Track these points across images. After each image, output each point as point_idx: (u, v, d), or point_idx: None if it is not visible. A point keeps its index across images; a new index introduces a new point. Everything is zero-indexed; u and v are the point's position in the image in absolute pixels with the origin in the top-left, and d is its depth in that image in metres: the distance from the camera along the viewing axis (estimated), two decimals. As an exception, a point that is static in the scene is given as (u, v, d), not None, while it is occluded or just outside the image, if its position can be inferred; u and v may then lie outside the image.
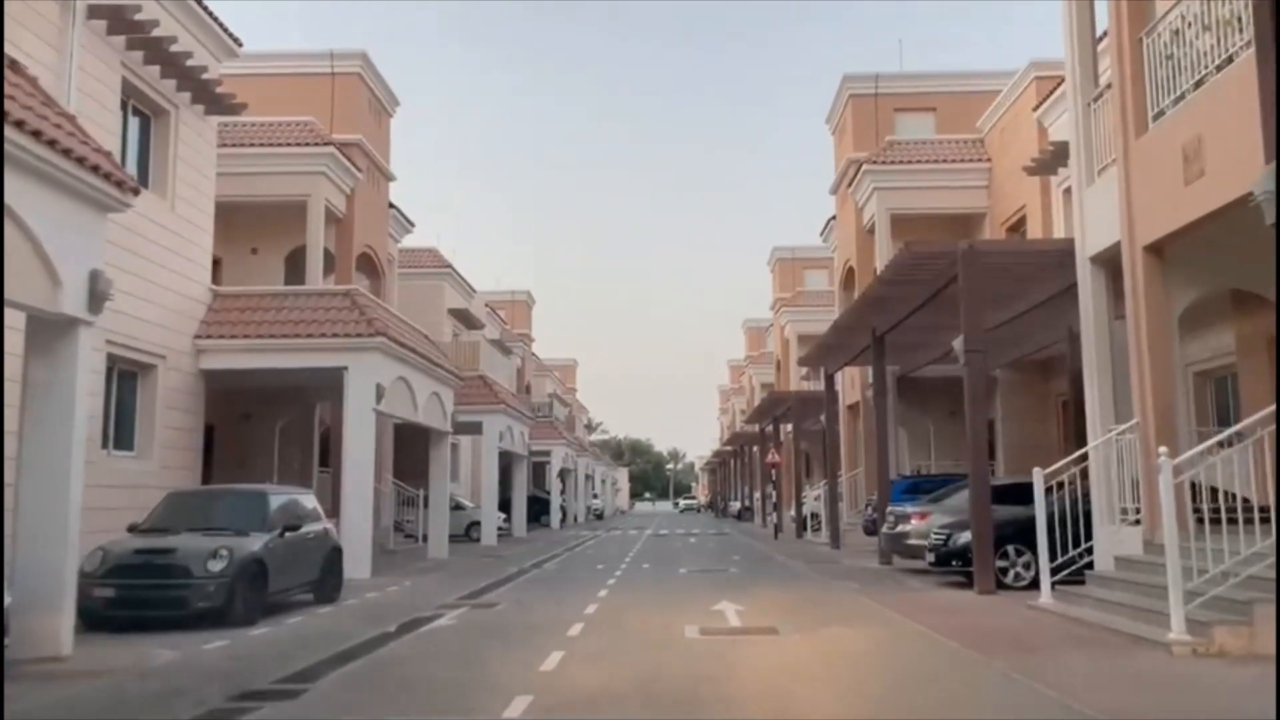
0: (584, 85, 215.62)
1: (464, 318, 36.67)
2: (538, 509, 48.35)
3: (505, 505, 37.70)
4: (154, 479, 15.46)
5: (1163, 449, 8.96)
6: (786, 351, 45.96)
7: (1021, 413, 25.21)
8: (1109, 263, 12.42)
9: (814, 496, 33.68)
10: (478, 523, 31.86)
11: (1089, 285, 12.71)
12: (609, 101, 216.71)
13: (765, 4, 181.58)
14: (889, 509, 17.50)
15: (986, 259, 13.75)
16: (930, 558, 14.54)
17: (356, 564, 16.91)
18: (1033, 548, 13.45)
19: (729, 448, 69.65)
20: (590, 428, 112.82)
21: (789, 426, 43.16)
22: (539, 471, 52.41)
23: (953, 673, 7.98)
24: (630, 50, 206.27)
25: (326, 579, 13.28)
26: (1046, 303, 17.06)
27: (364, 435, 17.46)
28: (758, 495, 49.60)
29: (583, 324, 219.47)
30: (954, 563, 14.07)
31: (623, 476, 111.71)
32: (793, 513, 37.27)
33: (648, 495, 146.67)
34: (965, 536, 13.87)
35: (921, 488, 22.44)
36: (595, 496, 70.29)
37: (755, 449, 54.04)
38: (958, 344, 13.40)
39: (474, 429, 30.65)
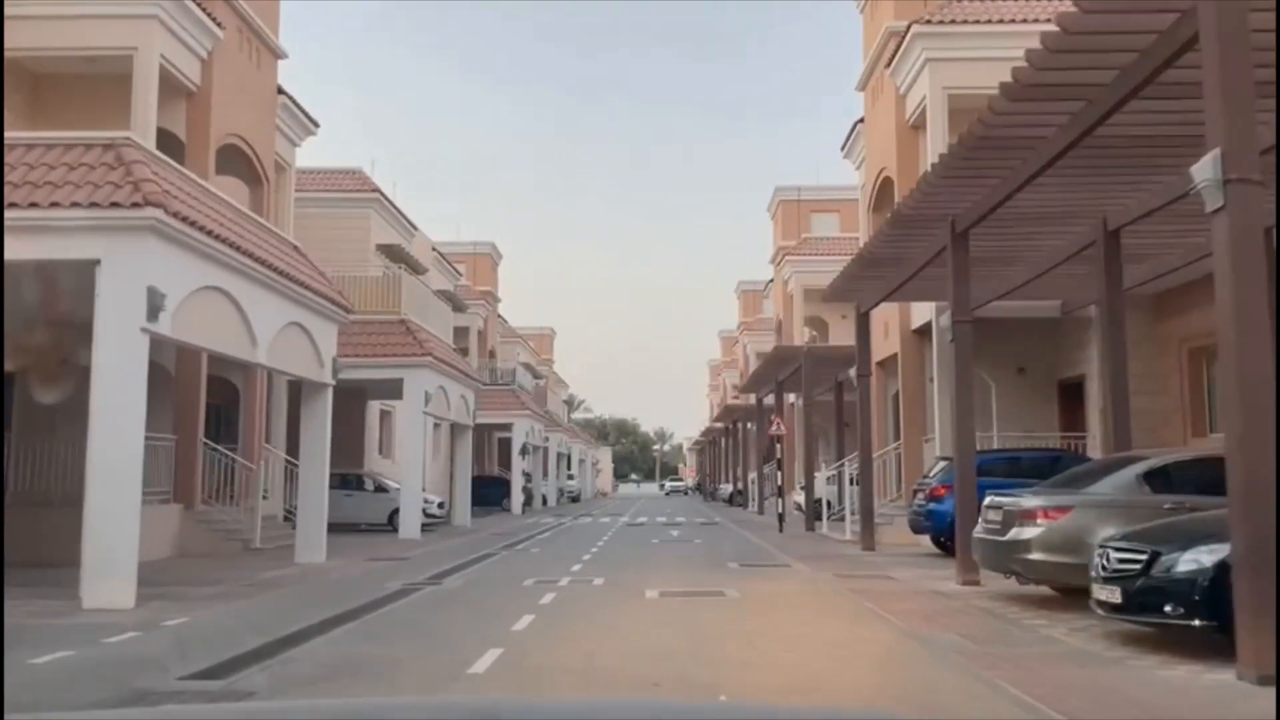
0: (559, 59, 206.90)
1: (397, 255, 29.66)
2: (496, 492, 41.54)
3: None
4: None
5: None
6: (789, 309, 39.14)
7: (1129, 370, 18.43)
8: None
9: (825, 478, 27.01)
10: (405, 509, 25.07)
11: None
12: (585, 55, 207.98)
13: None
14: (990, 500, 10.68)
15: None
16: (1109, 595, 7.72)
17: (104, 586, 10.08)
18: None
19: (719, 424, 62.88)
20: (571, 404, 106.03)
21: (792, 397, 36.52)
22: (504, 449, 45.43)
23: None
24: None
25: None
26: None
27: (127, 368, 10.55)
28: (752, 477, 42.87)
29: (569, 300, 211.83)
30: (1168, 608, 7.25)
31: (605, 456, 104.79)
32: (797, 498, 30.66)
33: (633, 477, 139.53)
34: (1198, 561, 7.08)
35: (988, 467, 15.79)
36: (570, 477, 63.52)
37: (750, 426, 47.29)
38: (1205, 169, 6.52)
39: (391, 389, 23.80)
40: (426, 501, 26.36)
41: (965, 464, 12.26)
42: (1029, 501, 9.84)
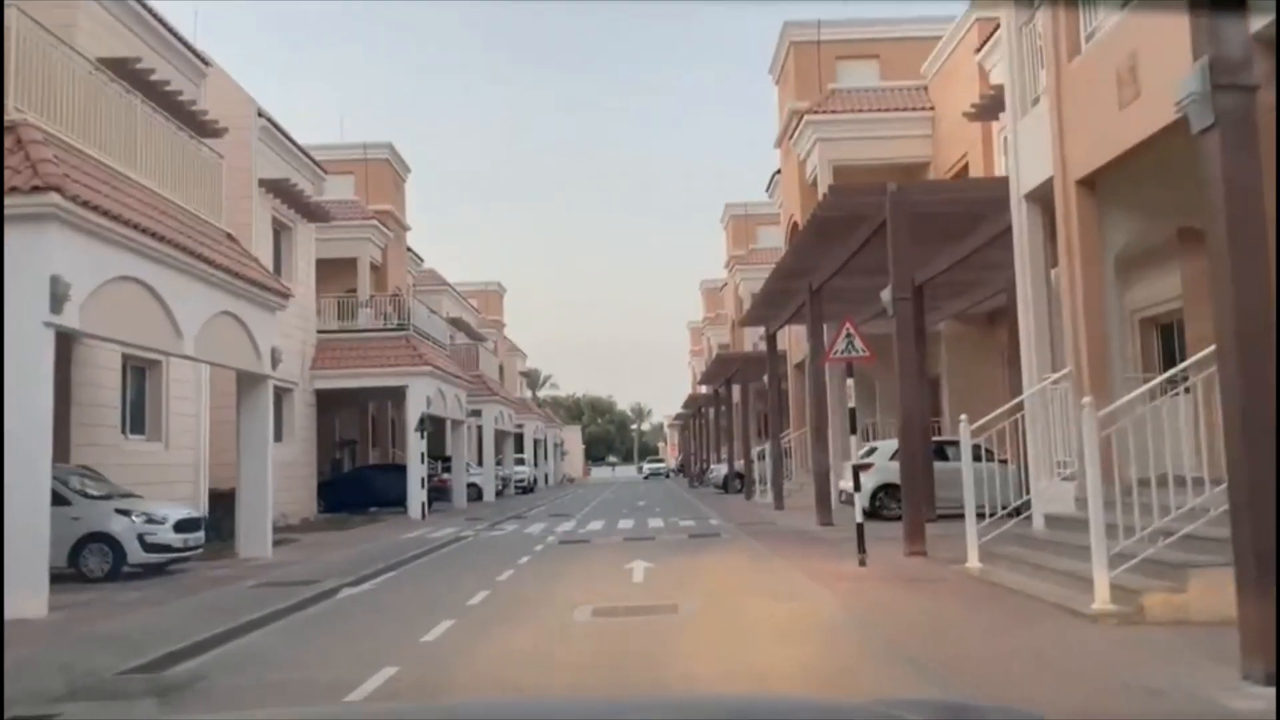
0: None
1: (133, 75, 16.28)
2: (400, 486, 28.06)
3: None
4: None
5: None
6: (809, 203, 26.14)
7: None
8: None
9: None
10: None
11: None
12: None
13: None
14: None
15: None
16: None
17: None
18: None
19: (705, 389, 49.83)
20: (534, 379, 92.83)
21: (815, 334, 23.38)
22: (440, 428, 31.86)
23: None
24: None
25: None
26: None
27: None
28: (758, 451, 29.70)
29: (544, 282, 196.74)
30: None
31: (574, 436, 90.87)
32: (844, 484, 18.18)
33: (611, 459, 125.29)
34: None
35: None
36: (520, 462, 50.38)
37: (747, 387, 34.29)
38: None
39: None
40: (152, 521, 13.41)
41: None
42: None
